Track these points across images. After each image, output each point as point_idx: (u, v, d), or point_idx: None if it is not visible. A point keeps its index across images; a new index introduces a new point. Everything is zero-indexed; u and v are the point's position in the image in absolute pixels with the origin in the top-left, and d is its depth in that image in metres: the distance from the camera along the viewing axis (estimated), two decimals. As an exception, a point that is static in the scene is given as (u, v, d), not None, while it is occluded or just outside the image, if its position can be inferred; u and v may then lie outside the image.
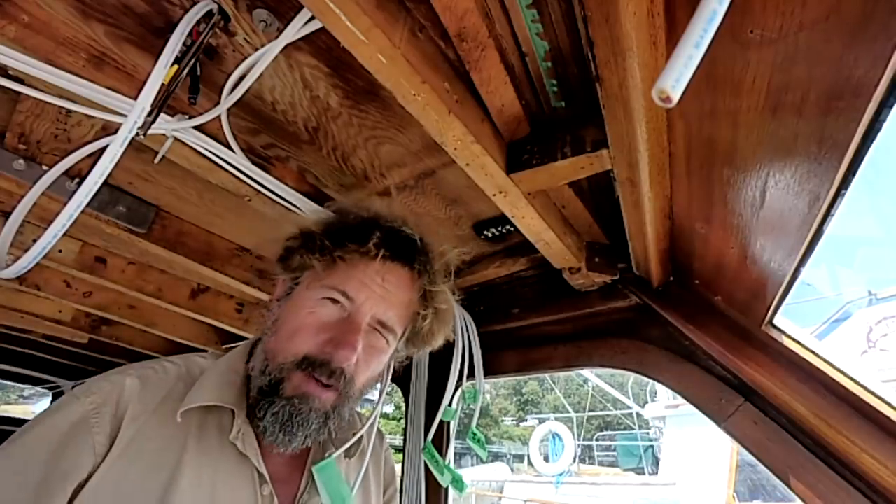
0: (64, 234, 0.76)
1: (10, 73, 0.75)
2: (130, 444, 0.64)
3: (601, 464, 19.14)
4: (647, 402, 13.31)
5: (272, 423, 0.69)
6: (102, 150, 0.72)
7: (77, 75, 0.75)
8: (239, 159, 0.93)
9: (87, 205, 0.74)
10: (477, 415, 1.23)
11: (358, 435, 0.85)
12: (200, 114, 0.83)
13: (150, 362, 0.76)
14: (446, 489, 1.42)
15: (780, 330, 0.91)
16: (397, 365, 0.96)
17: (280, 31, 0.68)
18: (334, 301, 0.74)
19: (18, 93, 0.78)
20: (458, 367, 1.23)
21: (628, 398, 15.36)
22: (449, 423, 1.34)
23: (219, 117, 0.83)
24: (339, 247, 0.74)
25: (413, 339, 0.86)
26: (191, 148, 0.90)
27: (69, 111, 0.89)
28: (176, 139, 0.88)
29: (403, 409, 1.57)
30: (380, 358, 0.79)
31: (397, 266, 0.79)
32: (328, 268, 0.74)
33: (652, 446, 15.53)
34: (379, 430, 1.01)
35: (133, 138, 0.71)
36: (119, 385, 0.68)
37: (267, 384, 0.71)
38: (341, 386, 0.72)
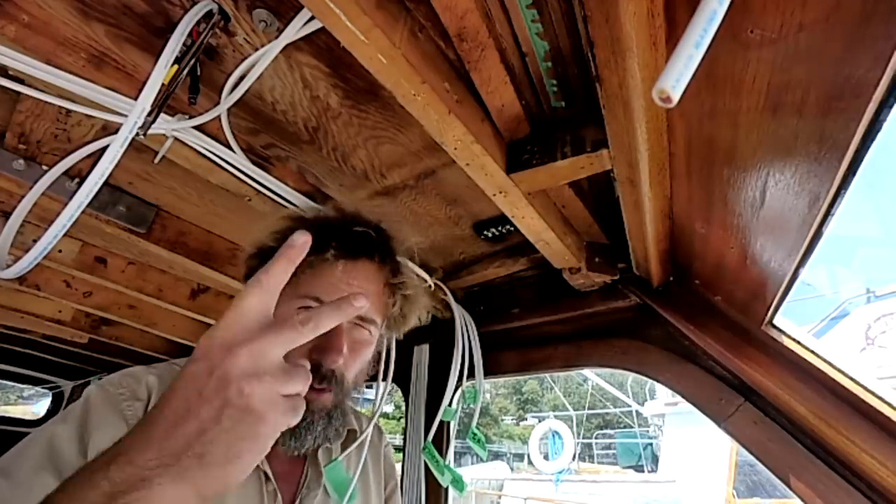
0: (64, 235, 0.76)
1: (10, 73, 0.75)
2: None
3: (601, 462, 19.17)
4: (646, 400, 13.32)
5: (280, 434, 0.70)
6: (102, 150, 0.72)
7: (77, 75, 0.75)
8: (239, 159, 0.93)
9: (88, 205, 0.74)
10: (477, 414, 1.23)
11: (361, 438, 0.88)
12: (200, 114, 0.83)
13: (164, 365, 0.78)
14: (446, 489, 1.42)
15: (780, 330, 0.91)
16: (397, 356, 0.97)
17: (280, 31, 0.68)
18: (309, 308, 0.74)
19: (18, 93, 0.78)
20: (458, 367, 1.23)
21: (628, 396, 15.38)
22: (449, 423, 1.35)
23: (219, 117, 0.83)
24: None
25: (388, 324, 0.89)
26: (191, 148, 0.91)
27: (69, 111, 0.89)
28: (176, 139, 0.88)
29: (403, 409, 1.57)
30: (367, 349, 0.81)
31: (360, 263, 0.80)
32: (293, 280, 0.75)
33: (651, 444, 15.55)
34: (378, 427, 1.03)
35: (133, 138, 0.71)
36: (143, 380, 0.71)
37: None
38: (335, 386, 0.74)
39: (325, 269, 0.76)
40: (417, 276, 0.90)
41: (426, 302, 0.95)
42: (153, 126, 0.72)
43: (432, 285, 1.28)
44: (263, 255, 0.79)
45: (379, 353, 1.05)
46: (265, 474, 0.73)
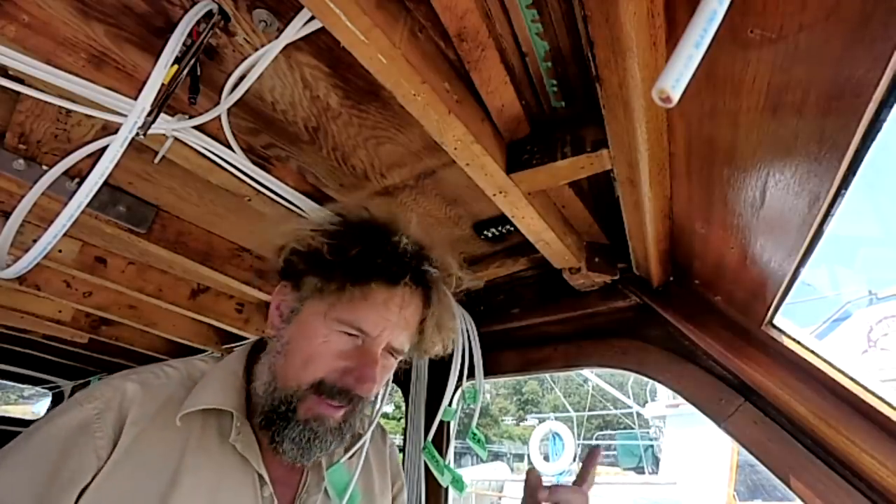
0: (64, 234, 0.76)
1: (10, 73, 0.75)
2: (131, 448, 0.65)
3: (601, 463, 19.10)
4: (647, 402, 13.32)
5: (290, 447, 0.70)
6: (102, 150, 0.72)
7: (77, 75, 0.75)
8: (239, 159, 0.93)
9: (87, 205, 0.74)
10: (477, 415, 1.23)
11: (362, 440, 0.87)
12: (200, 114, 0.83)
13: (152, 367, 0.76)
14: (446, 489, 1.42)
15: (780, 330, 0.91)
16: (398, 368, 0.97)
17: (280, 31, 0.68)
18: (350, 336, 0.72)
19: (18, 93, 0.78)
20: (458, 367, 1.23)
21: (628, 398, 15.36)
22: (449, 423, 1.35)
23: (219, 117, 0.83)
24: (363, 284, 0.70)
25: (415, 350, 0.86)
26: (191, 148, 0.90)
27: (69, 111, 0.89)
28: (176, 139, 0.88)
29: (403, 409, 1.57)
30: (389, 373, 0.81)
31: (416, 295, 0.78)
32: (328, 301, 0.72)
33: (652, 446, 15.53)
34: (382, 428, 1.02)
35: (133, 138, 0.71)
36: (120, 390, 0.68)
37: (279, 409, 0.71)
38: (357, 406, 0.74)
39: (381, 297, 0.72)
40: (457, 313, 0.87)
41: (457, 327, 0.92)
42: (153, 126, 0.72)
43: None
44: (319, 263, 0.72)
45: None
46: (260, 477, 0.71)
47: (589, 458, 0.84)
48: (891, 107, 0.48)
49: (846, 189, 0.58)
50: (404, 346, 0.78)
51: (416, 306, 0.79)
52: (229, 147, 0.91)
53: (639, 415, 15.15)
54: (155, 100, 0.69)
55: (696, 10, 0.33)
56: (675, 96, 0.30)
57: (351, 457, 0.86)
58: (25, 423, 3.36)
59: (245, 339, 1.99)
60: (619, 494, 10.35)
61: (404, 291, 0.75)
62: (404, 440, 1.52)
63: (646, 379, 1.20)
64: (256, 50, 0.73)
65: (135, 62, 0.79)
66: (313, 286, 0.73)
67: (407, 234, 0.77)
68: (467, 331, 1.31)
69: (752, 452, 0.93)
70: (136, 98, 0.69)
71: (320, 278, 0.72)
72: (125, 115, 0.72)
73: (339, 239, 0.74)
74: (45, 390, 3.54)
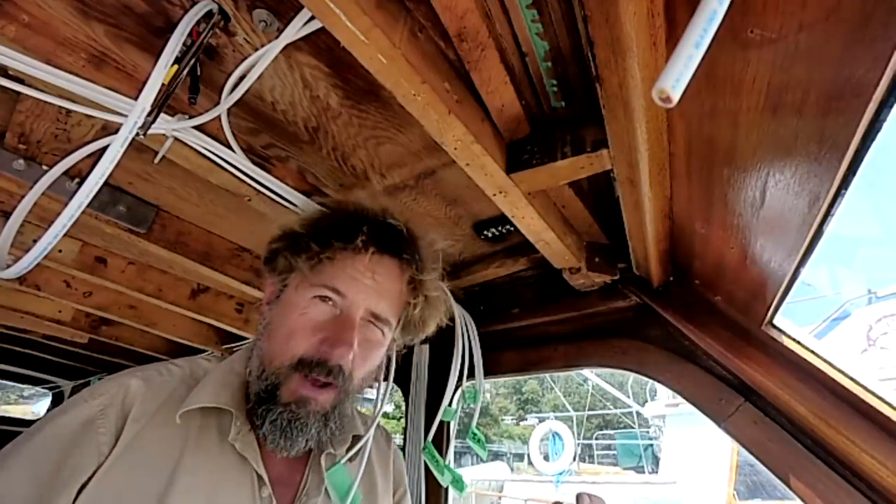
0: (64, 235, 0.76)
1: (10, 73, 0.75)
2: (131, 445, 0.65)
3: (601, 463, 19.15)
4: (647, 401, 13.33)
5: (271, 430, 0.69)
6: (102, 150, 0.72)
7: (77, 75, 0.75)
8: (239, 159, 0.93)
9: (88, 205, 0.74)
10: (477, 414, 1.23)
11: (364, 440, 0.86)
12: (200, 114, 0.83)
13: (157, 364, 0.77)
14: (446, 489, 1.42)
15: (780, 330, 0.91)
16: (397, 356, 0.97)
17: (280, 31, 0.68)
18: (325, 299, 0.74)
19: (18, 93, 0.78)
20: (458, 367, 1.23)
21: (628, 397, 15.38)
22: (449, 423, 1.35)
23: (219, 117, 0.83)
24: (326, 247, 0.74)
25: (406, 328, 0.87)
26: (191, 148, 0.91)
27: (69, 111, 0.89)
28: (176, 139, 0.88)
29: (403, 409, 1.57)
30: (377, 350, 0.80)
31: (386, 258, 0.79)
32: (316, 267, 0.74)
33: (652, 445, 15.55)
34: (385, 431, 1.02)
35: (133, 138, 0.71)
36: (124, 386, 0.69)
37: (264, 389, 0.71)
38: (340, 383, 0.72)
39: (349, 260, 0.75)
40: (441, 282, 0.88)
41: (447, 309, 0.92)
42: (153, 126, 0.72)
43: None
44: (291, 239, 0.78)
45: (388, 358, 1.01)
46: (259, 477, 0.70)
47: None
48: (891, 107, 0.48)
49: (846, 189, 0.58)
50: (387, 314, 0.78)
51: (389, 271, 0.79)
52: (229, 147, 0.91)
53: (639, 414, 15.16)
54: (155, 100, 0.69)
55: (696, 10, 0.33)
56: (675, 96, 0.30)
57: (352, 458, 0.85)
58: (25, 423, 3.37)
59: (245, 339, 2.00)
60: (619, 494, 10.36)
61: (370, 254, 0.76)
62: (404, 440, 1.52)
63: (646, 379, 1.20)
64: (256, 50, 0.73)
65: (135, 62, 0.79)
66: (289, 262, 0.76)
67: (366, 203, 0.82)
68: (467, 331, 1.31)
69: (752, 452, 0.93)
70: (136, 98, 0.69)
71: (293, 252, 0.76)
72: (125, 115, 0.72)
73: (315, 221, 0.80)
74: (45, 390, 3.54)
